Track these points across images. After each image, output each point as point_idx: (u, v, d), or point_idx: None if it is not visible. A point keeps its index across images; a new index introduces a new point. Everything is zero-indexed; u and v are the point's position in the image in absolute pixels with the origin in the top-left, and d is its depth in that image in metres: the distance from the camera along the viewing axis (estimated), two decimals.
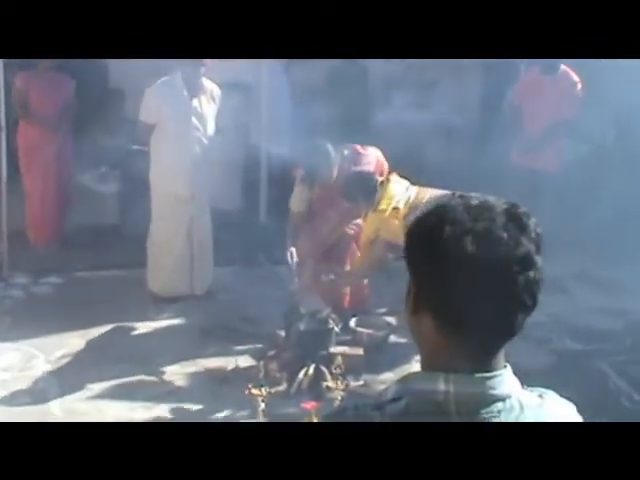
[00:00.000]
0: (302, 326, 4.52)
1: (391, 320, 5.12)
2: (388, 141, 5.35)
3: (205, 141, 5.39)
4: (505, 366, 1.32)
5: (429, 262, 1.25)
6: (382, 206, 4.34)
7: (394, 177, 4.63)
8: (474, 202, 1.26)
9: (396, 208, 4.31)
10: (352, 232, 5.10)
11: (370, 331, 4.82)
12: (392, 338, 4.92)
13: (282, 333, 4.79)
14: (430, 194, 4.33)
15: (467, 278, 1.22)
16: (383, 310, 5.37)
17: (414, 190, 4.52)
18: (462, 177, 4.02)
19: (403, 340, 4.84)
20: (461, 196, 1.27)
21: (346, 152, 4.93)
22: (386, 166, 5.02)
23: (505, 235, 1.22)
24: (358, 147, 5.00)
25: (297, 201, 5.01)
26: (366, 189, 4.60)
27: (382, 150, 5.11)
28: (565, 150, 6.14)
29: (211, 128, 5.44)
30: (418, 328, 1.32)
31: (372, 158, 4.97)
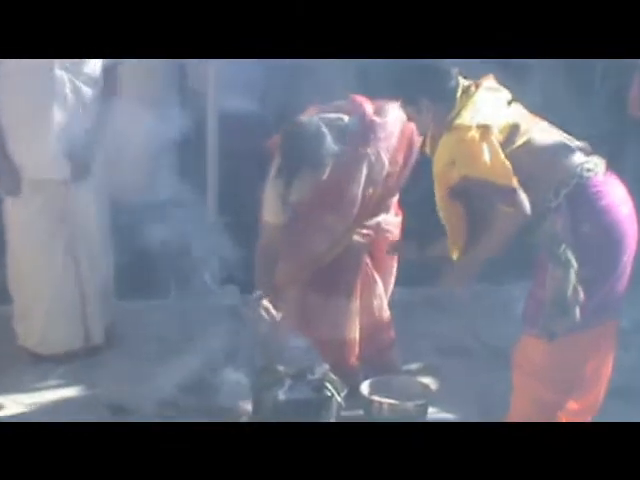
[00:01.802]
0: (282, 394, 4.20)
1: (429, 382, 4.62)
2: None
3: (88, 92, 4.59)
4: None
5: None
6: (461, 120, 3.70)
7: (489, 82, 3.91)
8: None
9: (485, 126, 3.68)
10: (364, 240, 4.54)
11: (394, 401, 4.38)
12: (431, 412, 4.40)
13: (248, 407, 4.33)
14: (539, 129, 3.68)
15: None
16: (415, 365, 4.89)
17: (519, 111, 3.81)
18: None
19: (449, 415, 4.42)
20: None
21: (347, 120, 4.40)
22: (418, 136, 4.44)
23: None
24: (369, 108, 4.44)
25: (271, 207, 4.51)
26: (438, 86, 3.84)
27: None
28: None
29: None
30: None
31: (394, 126, 4.46)
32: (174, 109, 5.79)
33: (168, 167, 5.93)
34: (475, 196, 3.70)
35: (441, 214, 3.77)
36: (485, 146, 3.59)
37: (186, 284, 5.50)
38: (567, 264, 3.34)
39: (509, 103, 3.82)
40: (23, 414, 4.60)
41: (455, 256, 3.83)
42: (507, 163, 3.41)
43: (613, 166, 3.69)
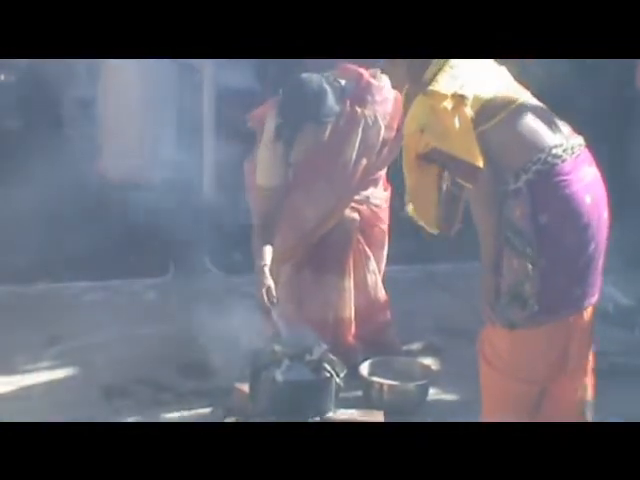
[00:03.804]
0: (279, 375, 4.18)
1: (430, 362, 4.69)
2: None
3: None
4: None
5: None
6: (437, 86, 3.52)
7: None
8: None
9: (460, 96, 3.50)
10: (354, 215, 4.55)
11: (395, 382, 4.45)
12: (432, 393, 4.44)
13: (245, 388, 4.31)
14: (517, 106, 3.49)
15: None
16: (417, 345, 4.92)
17: (501, 81, 3.61)
18: (563, 110, 3.62)
19: (451, 396, 4.44)
20: None
21: (344, 83, 4.44)
22: None
23: None
24: (365, 74, 4.48)
25: (267, 168, 4.48)
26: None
27: None
28: None
29: None
30: None
31: (389, 92, 4.51)
32: (171, 84, 5.99)
33: (166, 146, 6.06)
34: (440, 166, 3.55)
35: (407, 180, 3.57)
36: (456, 118, 3.43)
37: (182, 263, 5.58)
38: (524, 254, 3.22)
39: (492, 69, 3.63)
40: None
41: (433, 230, 3.62)
42: (475, 139, 3.27)
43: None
